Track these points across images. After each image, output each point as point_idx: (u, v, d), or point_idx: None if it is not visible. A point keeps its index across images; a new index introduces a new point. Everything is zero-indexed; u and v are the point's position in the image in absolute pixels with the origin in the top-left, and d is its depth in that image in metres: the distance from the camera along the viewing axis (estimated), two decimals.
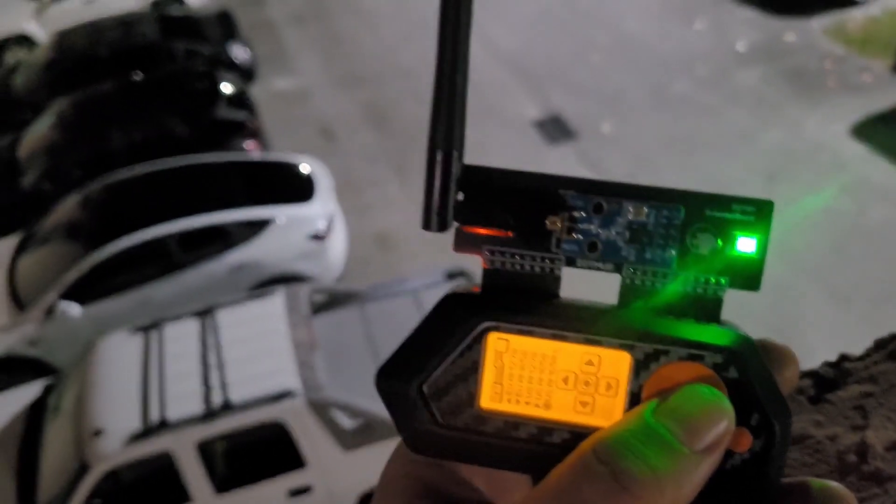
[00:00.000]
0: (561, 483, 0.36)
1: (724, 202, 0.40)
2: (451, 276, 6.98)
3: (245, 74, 10.87)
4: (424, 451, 0.41)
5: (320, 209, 8.05)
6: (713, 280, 0.40)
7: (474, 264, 0.37)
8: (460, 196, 0.40)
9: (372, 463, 5.81)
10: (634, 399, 0.39)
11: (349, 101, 11.39)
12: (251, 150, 9.23)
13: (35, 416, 6.52)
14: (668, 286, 0.40)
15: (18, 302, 7.69)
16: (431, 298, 6.73)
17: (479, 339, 0.40)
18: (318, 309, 6.74)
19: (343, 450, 5.86)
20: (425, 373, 0.40)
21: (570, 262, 0.41)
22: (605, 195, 0.40)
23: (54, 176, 9.05)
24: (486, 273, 0.41)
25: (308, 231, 7.88)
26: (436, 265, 7.81)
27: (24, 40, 12.75)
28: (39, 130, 9.50)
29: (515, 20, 12.62)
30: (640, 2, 13.04)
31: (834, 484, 0.39)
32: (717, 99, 10.84)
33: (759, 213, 0.40)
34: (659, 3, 12.93)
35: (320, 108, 11.31)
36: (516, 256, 0.40)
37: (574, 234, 0.40)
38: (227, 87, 9.71)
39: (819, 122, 10.27)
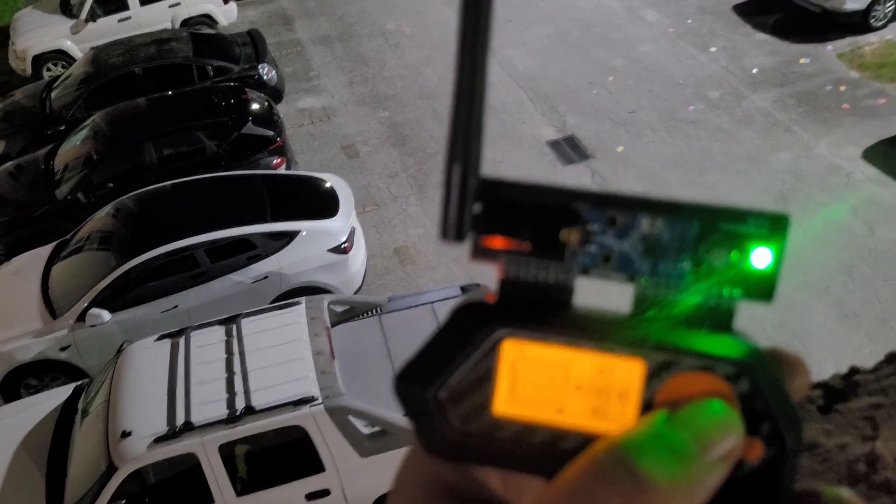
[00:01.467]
0: (575, 483, 0.37)
1: (738, 215, 0.40)
2: (467, 289, 7.04)
3: (272, 93, 10.95)
4: (440, 454, 0.41)
5: (342, 223, 8.16)
6: (726, 292, 0.40)
7: (489, 278, 0.42)
8: (477, 208, 0.40)
9: (388, 469, 5.88)
10: (646, 407, 0.39)
11: (372, 120, 11.53)
12: (277, 166, 9.34)
13: (65, 418, 6.67)
14: (681, 297, 0.40)
15: (51, 308, 7.85)
16: (447, 311, 6.78)
17: (495, 347, 0.40)
18: (338, 319, 6.85)
19: (360, 455, 5.97)
20: (442, 379, 0.40)
21: (584, 273, 0.41)
22: (619, 208, 0.40)
23: (88, 187, 9.22)
24: (502, 283, 0.41)
25: (330, 244, 8.00)
26: (453, 278, 7.91)
27: (60, 56, 13.01)
28: (74, 143, 9.65)
29: (532, 43, 12.72)
30: (655, 25, 13.11)
31: (845, 491, 0.39)
32: (729, 121, 10.90)
33: (774, 226, 0.40)
34: (674, 27, 13.01)
35: (344, 127, 11.45)
36: (531, 267, 0.41)
37: (588, 247, 0.41)
38: (255, 105, 9.82)
39: (831, 144, 10.32)
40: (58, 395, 7.02)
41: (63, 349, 7.74)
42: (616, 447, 0.37)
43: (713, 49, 12.39)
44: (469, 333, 0.40)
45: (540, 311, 0.40)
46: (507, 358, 0.40)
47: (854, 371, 0.66)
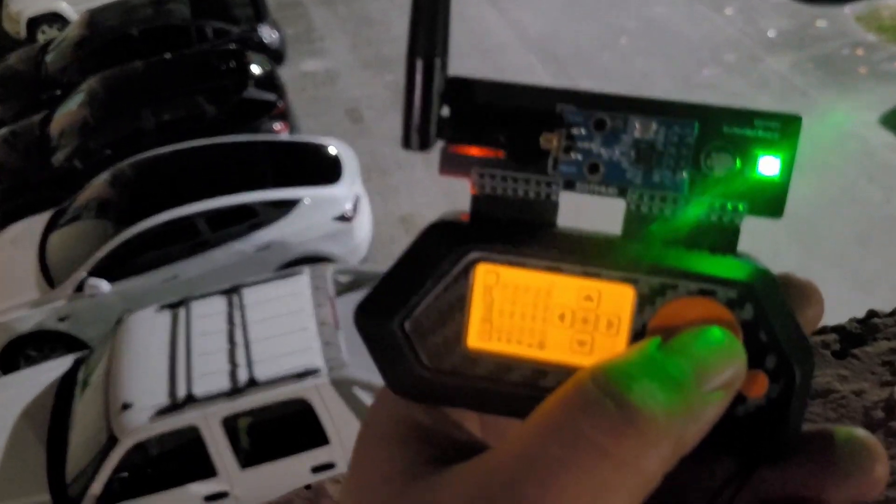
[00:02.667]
0: (554, 416, 0.32)
1: (744, 117, 0.36)
2: None
3: (274, 55, 10.82)
4: (409, 395, 0.37)
5: (346, 191, 8.07)
6: (730, 206, 0.36)
7: None
8: (445, 111, 0.36)
9: None
10: (637, 338, 0.35)
11: (377, 84, 11.35)
12: (279, 131, 9.22)
13: (65, 390, 6.61)
14: (678, 213, 0.36)
15: (49, 278, 7.77)
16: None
17: (467, 272, 0.36)
18: (343, 289, 6.74)
19: None
20: (408, 309, 0.36)
21: (569, 186, 0.37)
22: (608, 110, 0.36)
23: (84, 154, 9.10)
24: (475, 199, 0.37)
25: (334, 212, 7.90)
26: None
27: (55, 19, 12.83)
28: (70, 109, 9.54)
29: (543, 4, 12.53)
30: None
31: (860, 431, 0.35)
32: (745, 85, 10.72)
33: (784, 129, 0.36)
34: None
35: (348, 90, 11.31)
36: (508, 180, 0.37)
37: (573, 154, 0.36)
38: (256, 68, 9.70)
39: (848, 110, 10.16)
40: (57, 367, 6.97)
41: (62, 319, 7.69)
42: (602, 373, 0.32)
43: (729, 11, 12.17)
44: (438, 257, 0.36)
45: (519, 230, 0.36)
46: (481, 284, 0.36)
47: (872, 314, 0.61)
